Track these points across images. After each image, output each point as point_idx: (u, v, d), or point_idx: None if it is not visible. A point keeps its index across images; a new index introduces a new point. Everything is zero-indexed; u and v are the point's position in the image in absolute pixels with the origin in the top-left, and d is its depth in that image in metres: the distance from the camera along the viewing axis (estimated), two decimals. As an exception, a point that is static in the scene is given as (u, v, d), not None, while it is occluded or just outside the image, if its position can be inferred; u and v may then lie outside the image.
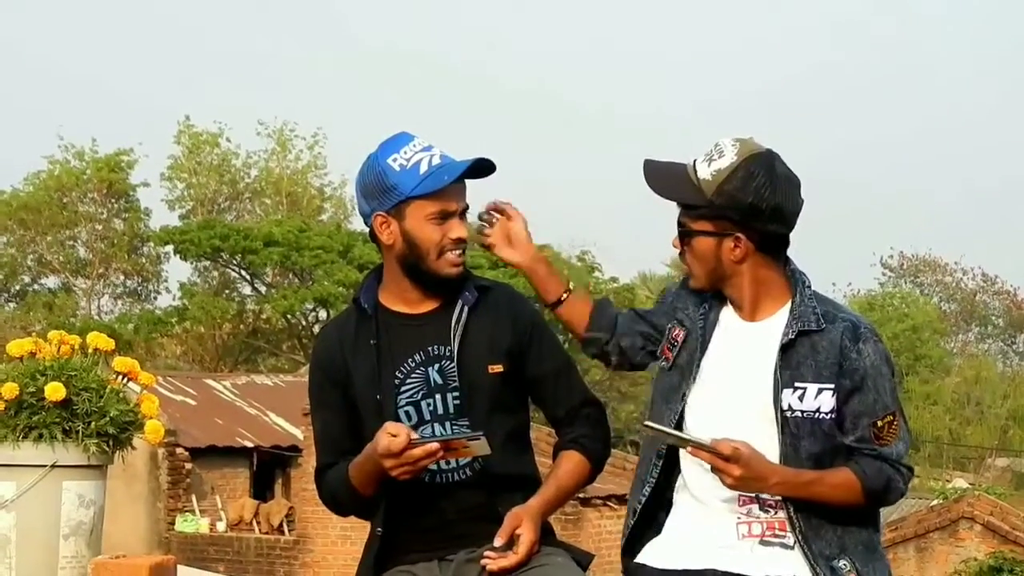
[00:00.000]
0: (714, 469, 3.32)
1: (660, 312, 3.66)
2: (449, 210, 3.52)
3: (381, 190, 3.53)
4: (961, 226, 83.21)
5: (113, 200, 44.70)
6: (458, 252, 3.55)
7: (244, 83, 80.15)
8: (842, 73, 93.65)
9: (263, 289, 43.24)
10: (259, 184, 47.36)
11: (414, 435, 3.40)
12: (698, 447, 3.31)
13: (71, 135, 72.46)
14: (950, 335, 59.50)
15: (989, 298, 60.47)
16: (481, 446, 3.41)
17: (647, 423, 3.43)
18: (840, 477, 3.38)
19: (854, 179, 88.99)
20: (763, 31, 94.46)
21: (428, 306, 3.60)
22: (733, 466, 3.27)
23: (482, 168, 3.55)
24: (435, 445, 3.37)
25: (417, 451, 3.36)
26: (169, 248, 41.43)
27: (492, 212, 3.73)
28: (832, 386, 3.38)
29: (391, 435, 3.35)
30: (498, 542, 3.43)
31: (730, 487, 3.33)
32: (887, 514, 26.84)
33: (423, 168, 3.50)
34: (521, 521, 3.45)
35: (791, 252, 3.51)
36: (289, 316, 41.41)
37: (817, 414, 3.38)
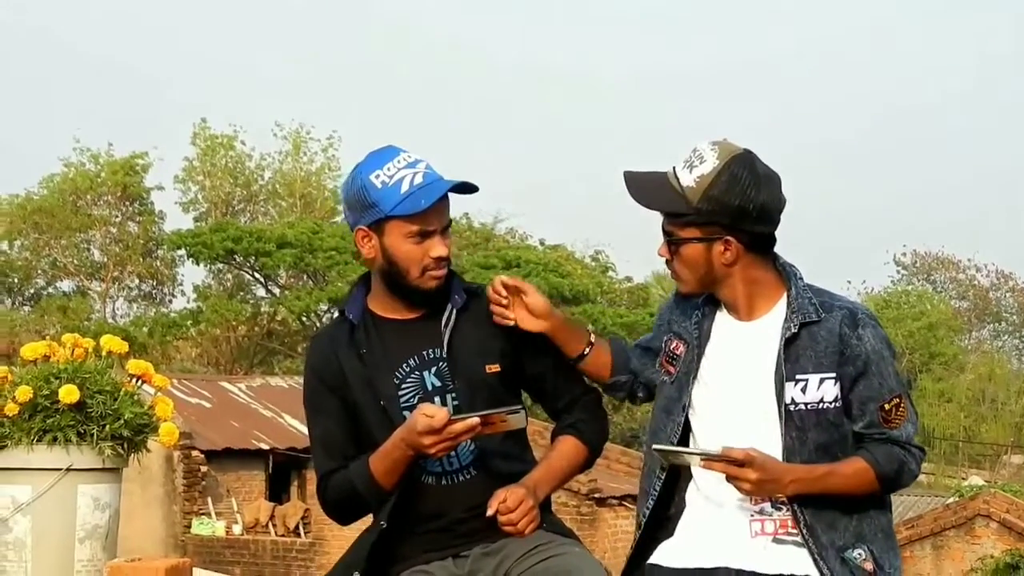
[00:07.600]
0: (729, 478, 3.30)
1: (660, 335, 3.66)
2: (429, 229, 3.54)
3: (362, 206, 3.55)
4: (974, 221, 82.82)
5: (128, 203, 44.79)
6: (439, 270, 3.57)
7: (261, 87, 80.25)
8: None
9: (277, 291, 43.29)
10: (273, 186, 47.39)
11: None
12: (709, 459, 3.31)
13: (88, 139, 72.65)
14: (964, 332, 59.32)
15: (1003, 295, 60.33)
16: (519, 419, 3.45)
17: (655, 447, 3.43)
18: (853, 466, 3.38)
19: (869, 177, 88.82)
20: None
21: (418, 311, 3.63)
22: (748, 471, 3.27)
23: (465, 187, 3.57)
24: (475, 420, 3.40)
25: (458, 426, 3.38)
26: (182, 252, 41.47)
27: (500, 293, 3.63)
28: (833, 375, 3.38)
29: (427, 415, 3.38)
30: (490, 512, 3.48)
31: (747, 493, 3.32)
32: (903, 512, 26.80)
33: (404, 187, 3.51)
34: (506, 492, 3.50)
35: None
36: (304, 317, 41.44)
37: (821, 404, 3.38)
